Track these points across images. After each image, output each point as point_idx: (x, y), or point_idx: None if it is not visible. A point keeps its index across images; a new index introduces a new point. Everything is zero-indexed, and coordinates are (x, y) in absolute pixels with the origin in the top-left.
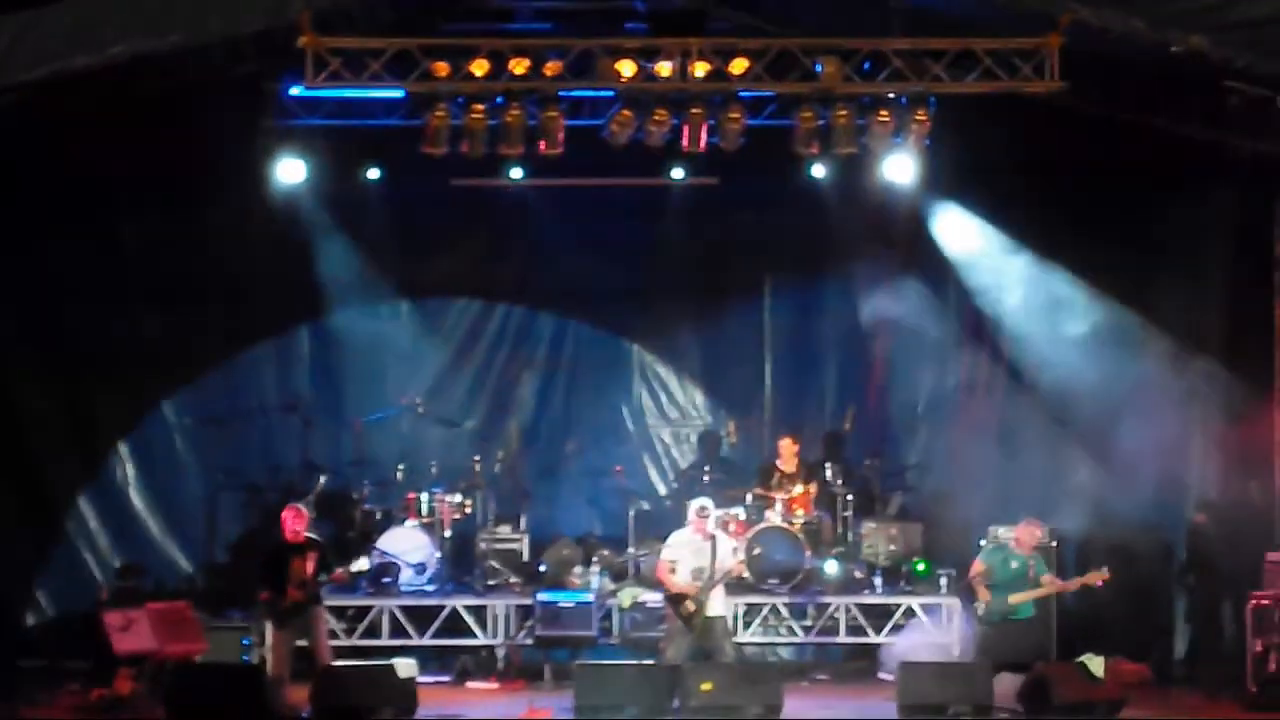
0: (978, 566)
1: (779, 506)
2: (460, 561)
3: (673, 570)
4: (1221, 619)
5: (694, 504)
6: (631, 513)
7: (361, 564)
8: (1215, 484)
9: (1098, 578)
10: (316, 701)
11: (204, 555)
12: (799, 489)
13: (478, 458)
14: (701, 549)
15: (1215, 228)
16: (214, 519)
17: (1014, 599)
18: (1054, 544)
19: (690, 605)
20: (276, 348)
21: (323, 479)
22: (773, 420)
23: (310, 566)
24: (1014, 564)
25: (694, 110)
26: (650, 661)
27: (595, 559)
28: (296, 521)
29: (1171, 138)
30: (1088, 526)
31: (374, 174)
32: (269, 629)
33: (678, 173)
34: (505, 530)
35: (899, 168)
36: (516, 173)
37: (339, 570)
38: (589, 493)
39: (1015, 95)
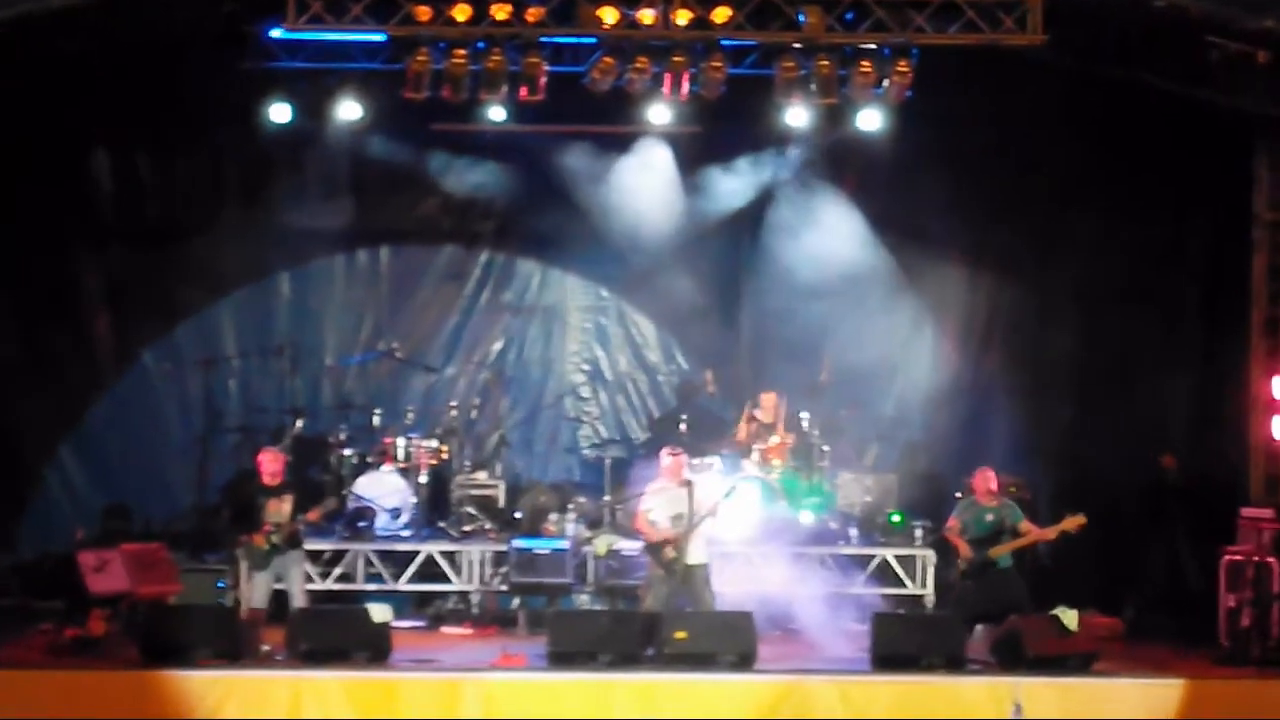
0: (953, 522)
1: (755, 456)
2: (436, 507)
3: (651, 519)
4: (1185, 571)
5: (665, 451)
6: (608, 461)
7: (330, 503)
8: (1189, 437)
9: (1074, 523)
10: (291, 644)
11: (190, 498)
12: (775, 439)
13: (454, 403)
14: (678, 495)
15: (1194, 184)
16: (203, 462)
17: (994, 552)
18: (1028, 495)
19: (670, 551)
20: (256, 292)
21: (299, 423)
22: (750, 370)
23: (286, 509)
24: (988, 516)
25: (676, 58)
26: (625, 608)
27: (571, 506)
28: (273, 464)
29: (1152, 93)
30: (1061, 477)
31: (354, 117)
32: (245, 571)
33: (659, 119)
34: (481, 476)
35: (874, 118)
36: (497, 114)
37: (311, 511)
38: (566, 440)
39: (997, 48)
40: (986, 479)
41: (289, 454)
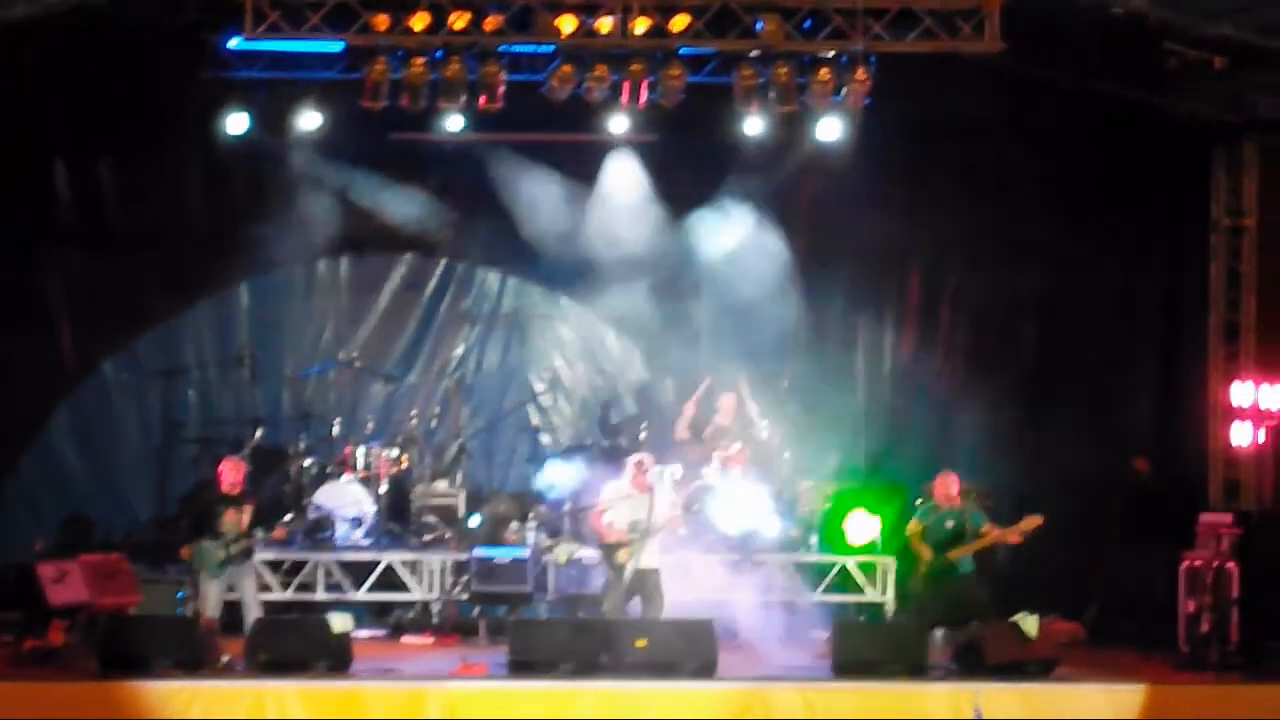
0: (914, 526)
1: (715, 464)
2: (396, 516)
3: (607, 520)
4: (1153, 576)
5: (632, 459)
6: (569, 469)
7: (294, 523)
8: (1152, 442)
9: (1031, 524)
10: (251, 654)
11: (149, 510)
12: (736, 446)
13: (415, 412)
14: (639, 501)
15: (1154, 190)
16: (163, 473)
17: (953, 554)
18: (990, 501)
19: (624, 555)
20: (216, 302)
21: (259, 433)
22: (710, 376)
23: (245, 519)
24: (949, 521)
25: (634, 67)
26: (585, 617)
27: (531, 515)
28: (233, 474)
29: (1110, 100)
30: (1025, 482)
31: (313, 127)
32: (200, 580)
33: (618, 128)
34: (442, 485)
35: (834, 127)
36: (455, 123)
37: (276, 529)
38: (526, 449)
39: (955, 56)
40: (947, 484)
41: (249, 463)
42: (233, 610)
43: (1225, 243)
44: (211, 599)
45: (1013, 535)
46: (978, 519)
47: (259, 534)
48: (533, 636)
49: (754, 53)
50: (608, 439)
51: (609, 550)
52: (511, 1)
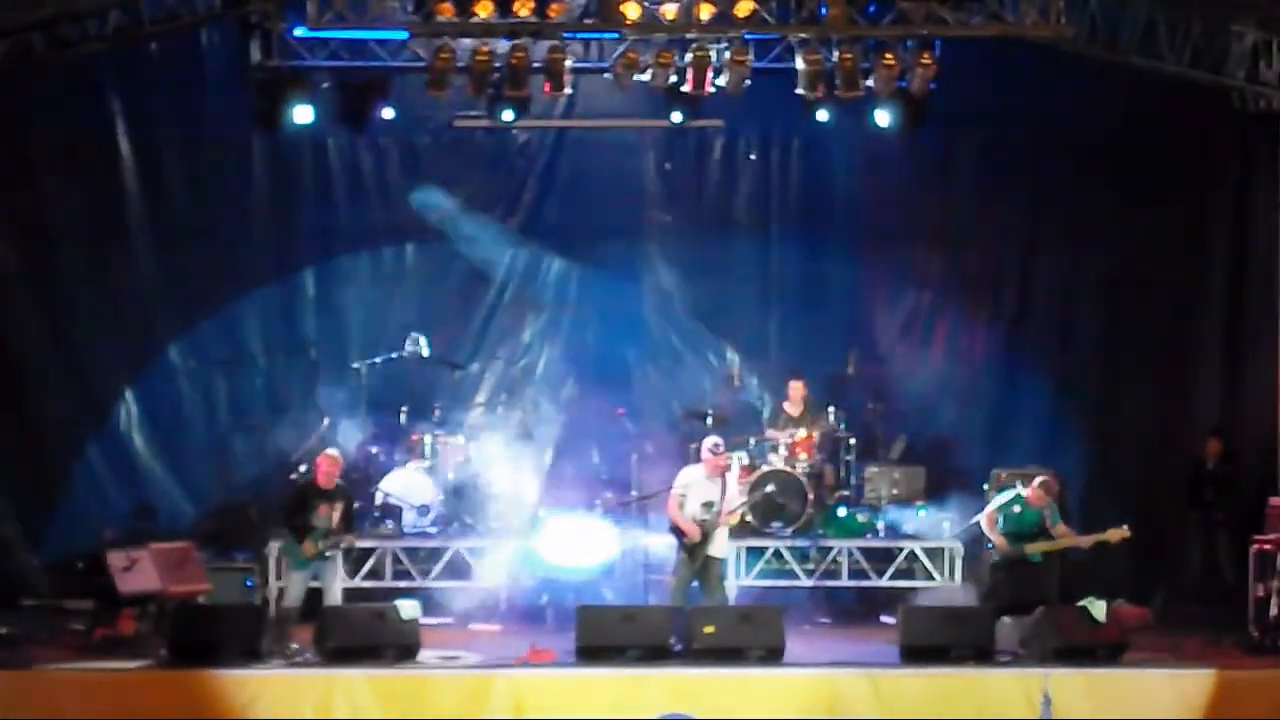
0: (991, 514)
1: (783, 450)
2: (463, 504)
3: (681, 503)
4: (1220, 560)
5: (707, 442)
6: (635, 455)
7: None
8: (1218, 424)
9: (1117, 535)
10: (320, 642)
11: (216, 497)
12: (803, 432)
13: (481, 400)
14: (711, 484)
15: (1219, 172)
16: (229, 461)
17: (1029, 549)
18: (1058, 488)
19: (696, 536)
20: (281, 290)
21: (325, 421)
22: (778, 363)
23: (337, 514)
24: (1026, 514)
25: (699, 53)
26: (653, 603)
27: (598, 501)
28: (331, 467)
29: (1176, 82)
30: (1092, 467)
31: (378, 115)
32: (285, 568)
33: (684, 114)
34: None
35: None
36: (524, 109)
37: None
38: (593, 435)
39: (1020, 39)
40: (1048, 489)
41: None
42: (315, 597)
43: None
44: (295, 588)
45: (1088, 543)
46: (1055, 517)
47: (349, 534)
48: (600, 622)
49: (818, 38)
50: (681, 425)
51: (680, 532)
52: None
